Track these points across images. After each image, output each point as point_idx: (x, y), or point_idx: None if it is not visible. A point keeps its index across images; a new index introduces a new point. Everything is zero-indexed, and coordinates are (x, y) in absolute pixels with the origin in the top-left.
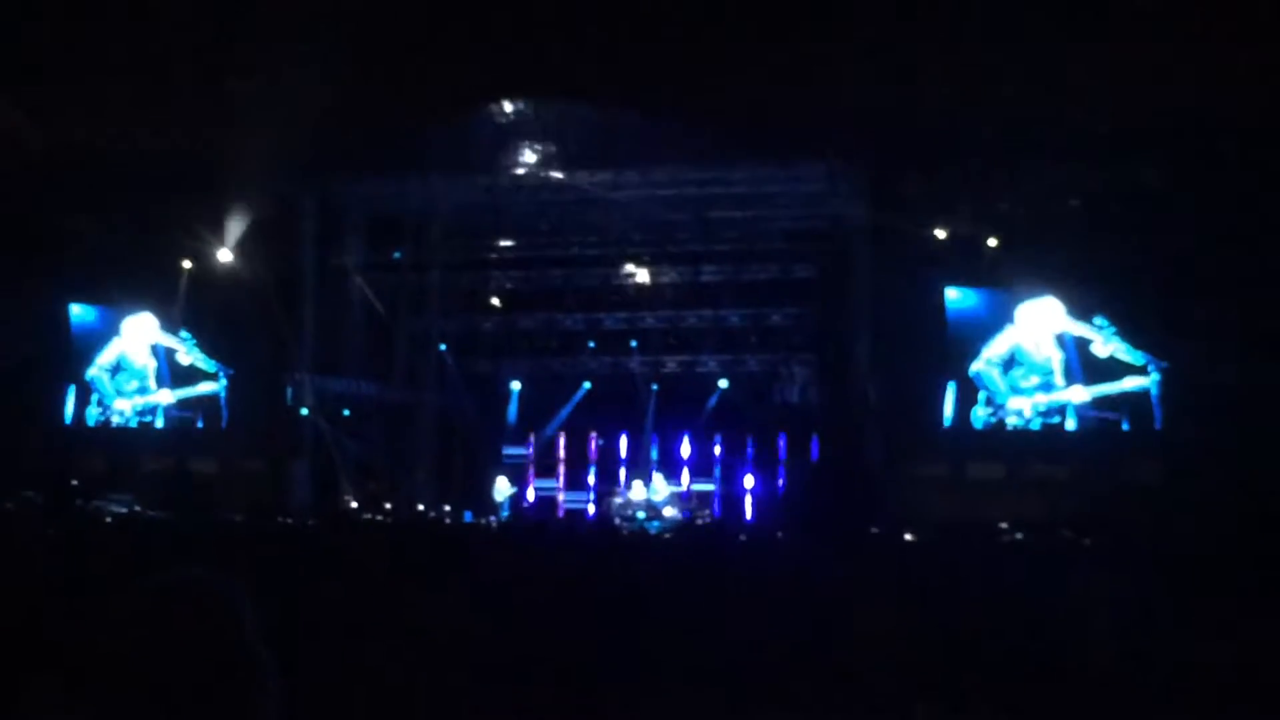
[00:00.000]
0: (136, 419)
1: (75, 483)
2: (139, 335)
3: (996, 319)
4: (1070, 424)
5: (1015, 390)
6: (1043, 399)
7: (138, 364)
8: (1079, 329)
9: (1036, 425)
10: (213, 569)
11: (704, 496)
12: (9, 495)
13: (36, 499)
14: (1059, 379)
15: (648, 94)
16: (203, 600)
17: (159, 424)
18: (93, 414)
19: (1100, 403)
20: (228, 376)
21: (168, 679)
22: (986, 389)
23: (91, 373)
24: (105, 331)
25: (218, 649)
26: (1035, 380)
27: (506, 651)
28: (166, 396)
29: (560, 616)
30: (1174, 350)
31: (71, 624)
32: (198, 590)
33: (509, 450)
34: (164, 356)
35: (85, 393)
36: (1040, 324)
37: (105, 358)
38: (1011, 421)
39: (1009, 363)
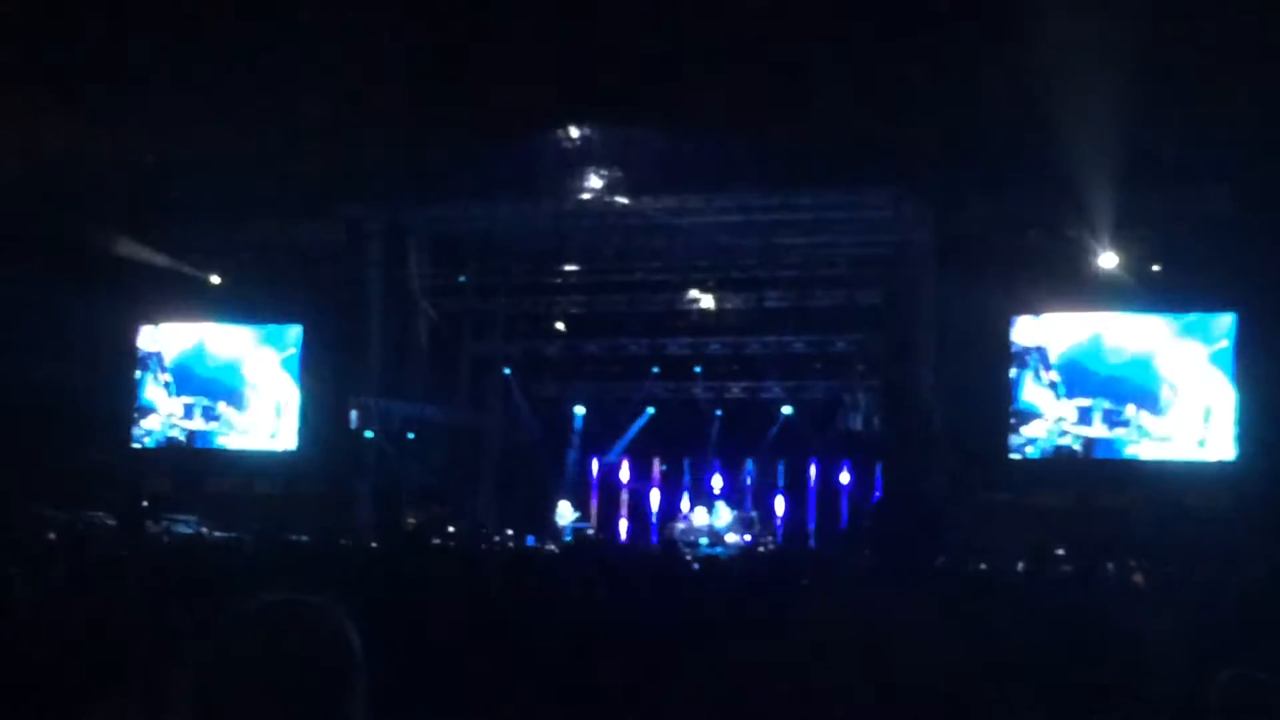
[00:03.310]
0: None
1: (146, 503)
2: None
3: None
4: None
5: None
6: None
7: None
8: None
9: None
10: (320, 594)
11: (766, 523)
12: (79, 516)
13: (106, 519)
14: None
15: (713, 119)
16: (311, 626)
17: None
18: (162, 425)
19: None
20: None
21: (262, 706)
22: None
23: (152, 386)
24: (168, 350)
25: (323, 677)
26: (1087, 403)
27: (567, 676)
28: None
29: (619, 642)
30: (1239, 379)
31: (154, 644)
32: (306, 616)
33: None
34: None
35: (147, 408)
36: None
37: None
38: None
39: (1055, 386)
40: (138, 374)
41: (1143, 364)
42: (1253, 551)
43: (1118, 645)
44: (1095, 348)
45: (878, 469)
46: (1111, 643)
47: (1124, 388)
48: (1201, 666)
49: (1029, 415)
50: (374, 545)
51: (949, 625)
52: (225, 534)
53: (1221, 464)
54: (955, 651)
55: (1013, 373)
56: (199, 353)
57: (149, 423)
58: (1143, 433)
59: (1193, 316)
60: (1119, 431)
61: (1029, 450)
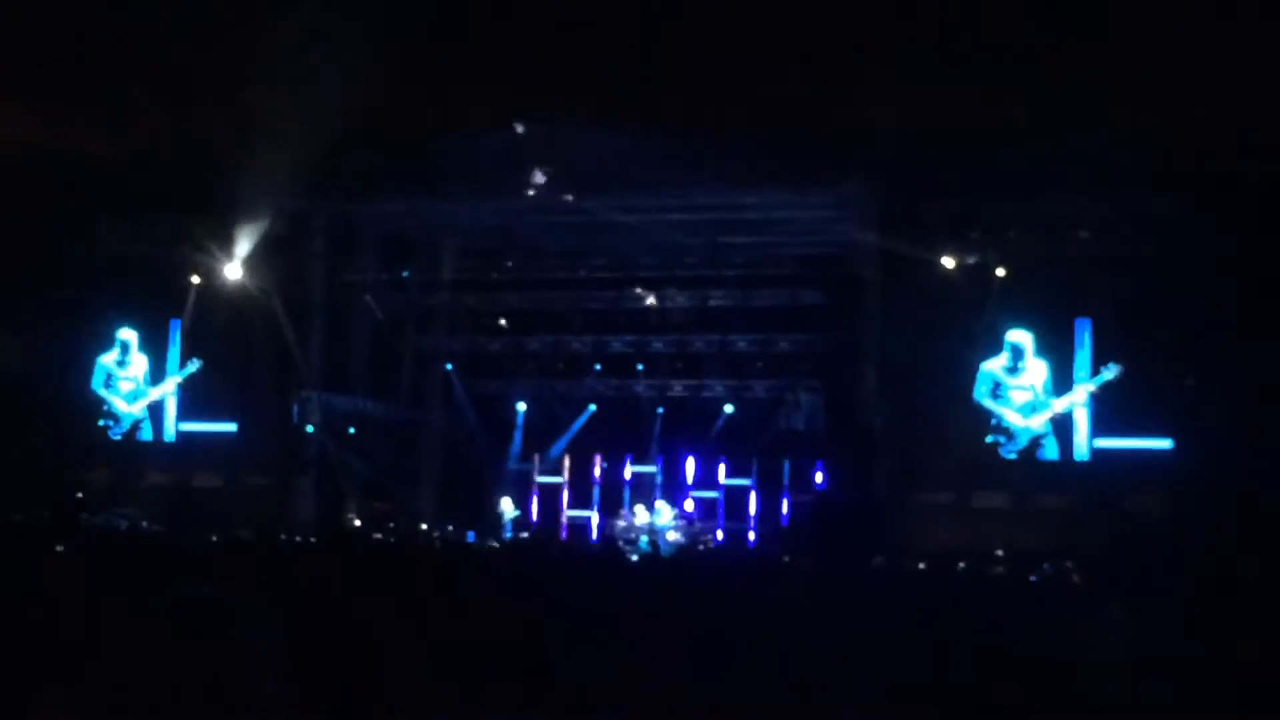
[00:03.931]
0: (142, 426)
1: (80, 496)
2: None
3: (992, 347)
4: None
5: (1014, 409)
6: (1041, 417)
7: (132, 369)
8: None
9: (1046, 445)
10: (222, 588)
11: (707, 521)
12: (16, 509)
13: (43, 513)
14: (1042, 394)
15: (659, 118)
16: (212, 618)
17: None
18: (112, 428)
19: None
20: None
21: (173, 694)
22: (993, 414)
23: (95, 384)
24: (106, 344)
25: (225, 667)
26: (1027, 397)
27: (507, 671)
28: (161, 390)
29: (560, 637)
30: (1181, 387)
31: (79, 638)
32: (207, 608)
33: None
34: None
35: (92, 405)
36: (1023, 348)
37: (106, 360)
38: (1023, 431)
39: (995, 388)
40: (77, 366)
41: (1084, 358)
42: (1190, 548)
43: (1052, 644)
44: (1037, 345)
45: (819, 468)
46: (1046, 641)
47: (1063, 384)
48: (1136, 664)
49: (971, 415)
50: (313, 540)
51: (886, 622)
52: (162, 528)
53: (1160, 454)
54: (892, 646)
55: (955, 373)
56: (136, 342)
57: (89, 415)
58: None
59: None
60: (1059, 430)
61: (971, 450)
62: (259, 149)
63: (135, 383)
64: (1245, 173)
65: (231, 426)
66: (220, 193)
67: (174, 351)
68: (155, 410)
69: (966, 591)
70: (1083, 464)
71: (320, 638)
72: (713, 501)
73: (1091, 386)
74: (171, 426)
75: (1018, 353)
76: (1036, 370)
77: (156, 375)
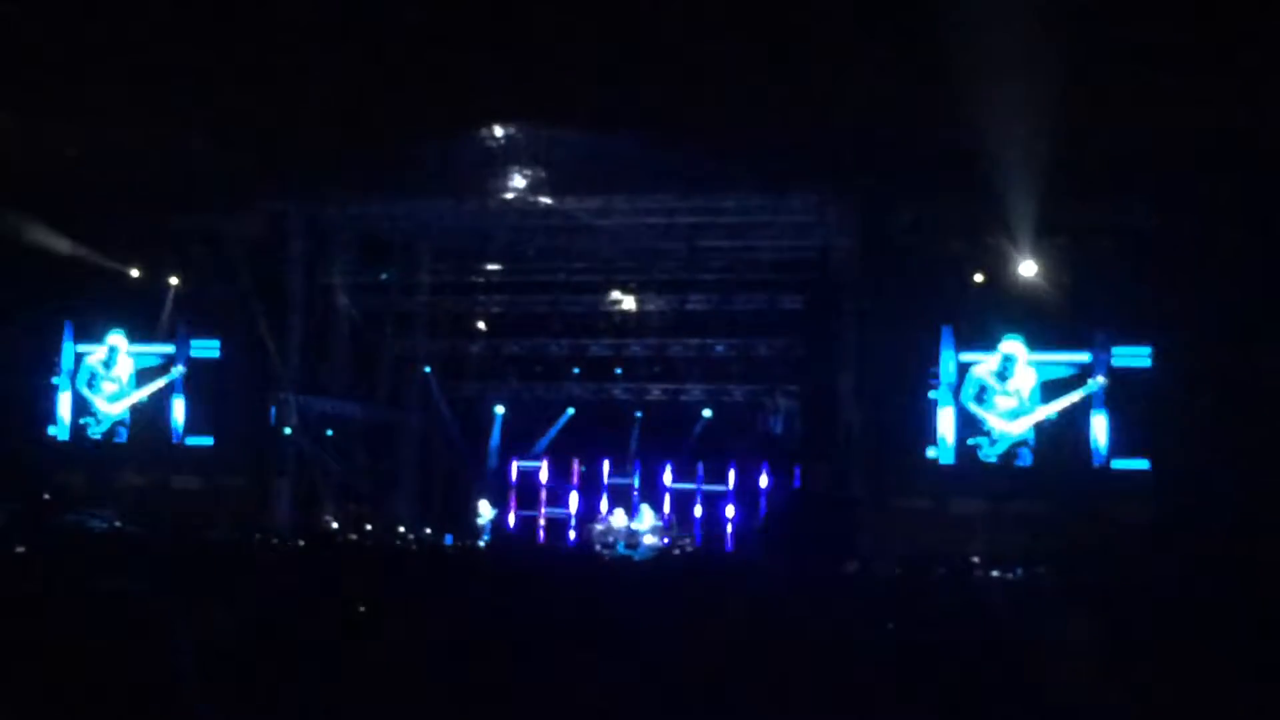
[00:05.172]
0: (120, 428)
1: (47, 497)
2: (120, 345)
3: (977, 352)
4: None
5: (997, 414)
6: (1024, 422)
7: (118, 370)
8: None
9: (1026, 450)
10: (145, 582)
11: (685, 525)
12: None
13: (5, 513)
14: (1028, 401)
15: (638, 121)
16: (130, 613)
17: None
18: (91, 427)
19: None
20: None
21: (97, 687)
22: (976, 419)
23: (79, 384)
24: (91, 345)
25: (145, 660)
26: (1012, 403)
27: (484, 675)
28: (145, 392)
29: (537, 641)
30: (1161, 392)
31: (24, 636)
32: (125, 604)
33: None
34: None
35: (77, 405)
36: (1014, 356)
37: (92, 361)
38: (1004, 436)
39: (981, 392)
40: (55, 369)
41: (1059, 371)
42: (1165, 558)
43: (1023, 648)
44: (1017, 353)
45: (796, 472)
46: (1016, 645)
47: (1042, 394)
48: (1107, 669)
49: (948, 421)
50: (289, 542)
51: (862, 626)
52: (137, 529)
53: (1138, 471)
54: (868, 650)
55: (933, 378)
56: (125, 346)
57: (64, 416)
58: (1059, 439)
59: (1110, 326)
60: (1035, 438)
61: (947, 456)
62: (238, 150)
63: (119, 384)
64: (1236, 180)
65: (210, 430)
66: (199, 195)
67: (160, 354)
68: (142, 412)
69: (943, 596)
70: (1060, 470)
71: (285, 638)
72: (691, 506)
73: (1076, 397)
74: (174, 430)
75: (1009, 360)
76: (1025, 377)
77: (141, 378)
